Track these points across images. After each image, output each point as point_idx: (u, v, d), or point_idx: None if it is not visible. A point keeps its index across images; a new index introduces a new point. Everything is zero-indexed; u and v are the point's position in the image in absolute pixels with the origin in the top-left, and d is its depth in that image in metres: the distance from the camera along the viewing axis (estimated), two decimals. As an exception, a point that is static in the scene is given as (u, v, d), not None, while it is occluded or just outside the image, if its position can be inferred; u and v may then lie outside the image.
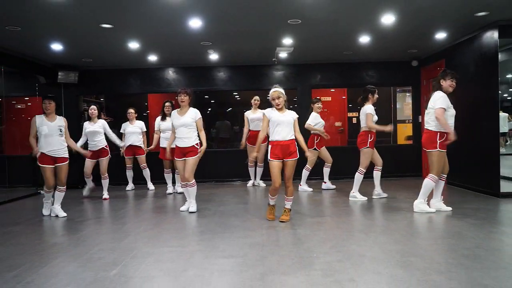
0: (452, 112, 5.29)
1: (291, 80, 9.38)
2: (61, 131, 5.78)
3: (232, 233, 4.63)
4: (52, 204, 5.94)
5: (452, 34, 7.16)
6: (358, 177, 6.46)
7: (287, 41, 7.33)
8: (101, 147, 7.35)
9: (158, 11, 5.55)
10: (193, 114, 5.75)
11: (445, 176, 5.57)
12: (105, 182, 7.46)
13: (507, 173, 6.76)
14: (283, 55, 8.34)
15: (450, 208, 5.48)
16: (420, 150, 9.38)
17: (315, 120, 7.46)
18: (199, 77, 9.48)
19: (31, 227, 5.29)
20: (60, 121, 5.85)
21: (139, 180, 8.58)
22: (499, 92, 6.40)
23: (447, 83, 5.33)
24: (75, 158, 6.92)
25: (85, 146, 7.43)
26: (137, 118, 8.38)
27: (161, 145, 7.60)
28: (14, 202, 7.51)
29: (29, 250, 4.19)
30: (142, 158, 8.31)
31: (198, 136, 5.77)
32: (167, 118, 7.46)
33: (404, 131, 10.53)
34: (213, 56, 8.50)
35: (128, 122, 8.22)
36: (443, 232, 4.57)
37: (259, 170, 8.47)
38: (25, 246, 4.35)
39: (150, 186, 8.46)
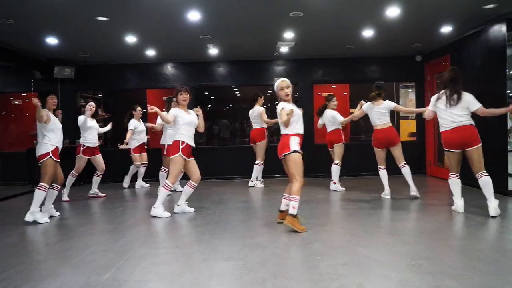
0: None
1: (292, 76, 9.12)
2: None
3: (231, 233, 4.44)
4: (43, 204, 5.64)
5: (458, 27, 6.96)
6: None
7: (289, 35, 7.13)
8: (97, 144, 7.16)
9: (155, 3, 5.35)
10: (194, 115, 5.57)
11: None
12: (98, 180, 7.24)
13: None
14: (284, 49, 8.14)
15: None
16: (423, 147, 9.21)
17: (340, 117, 7.27)
18: (198, 72, 9.29)
19: (22, 227, 5.10)
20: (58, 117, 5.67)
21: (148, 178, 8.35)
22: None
23: None
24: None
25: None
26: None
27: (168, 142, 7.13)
28: (8, 200, 7.31)
29: (20, 251, 4.01)
30: (145, 156, 8.23)
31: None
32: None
33: (407, 128, 10.33)
34: (213, 51, 8.30)
35: (133, 119, 7.95)
36: (452, 232, 4.39)
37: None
38: (15, 247, 4.17)
39: (144, 184, 8.33)
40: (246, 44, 7.88)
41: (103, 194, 7.22)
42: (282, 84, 4.63)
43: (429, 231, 4.39)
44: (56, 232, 4.89)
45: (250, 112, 7.88)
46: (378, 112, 6.19)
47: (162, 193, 5.40)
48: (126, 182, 8.34)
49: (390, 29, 6.85)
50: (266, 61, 9.16)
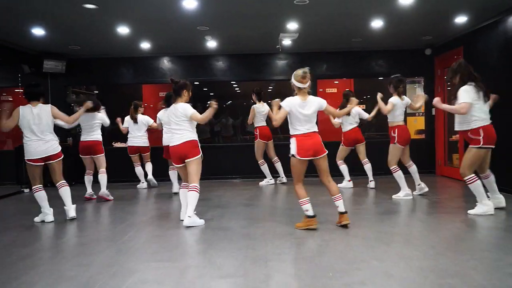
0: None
1: (295, 70, 8.65)
2: None
3: (230, 242, 3.98)
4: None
5: (474, 17, 6.49)
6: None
7: (292, 25, 6.65)
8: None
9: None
10: None
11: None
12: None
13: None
14: (287, 42, 7.66)
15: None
16: (433, 145, 8.76)
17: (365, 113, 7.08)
18: (196, 66, 8.83)
19: (7, 232, 4.65)
20: None
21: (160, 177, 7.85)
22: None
23: None
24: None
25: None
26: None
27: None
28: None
29: (-5, 263, 3.56)
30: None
31: None
32: None
33: (415, 125, 9.88)
34: (211, 44, 7.82)
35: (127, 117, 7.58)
36: (477, 242, 3.94)
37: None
38: (-11, 259, 3.72)
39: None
40: (246, 36, 7.41)
41: (95, 196, 6.73)
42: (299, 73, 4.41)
43: (451, 240, 3.95)
44: (39, 240, 4.44)
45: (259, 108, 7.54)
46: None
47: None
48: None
49: (401, 18, 6.39)
50: (268, 55, 8.70)
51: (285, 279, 3.04)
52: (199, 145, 4.78)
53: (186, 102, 4.77)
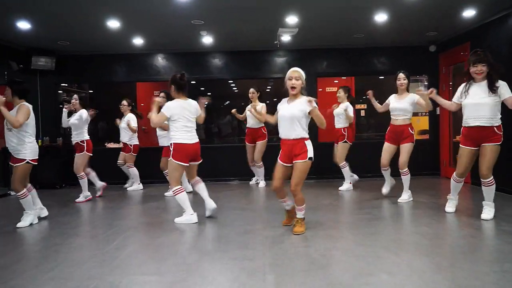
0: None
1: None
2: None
3: (225, 252, 3.65)
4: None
5: (483, 11, 6.17)
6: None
7: (291, 19, 6.32)
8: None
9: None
10: None
11: None
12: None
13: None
14: (286, 38, 7.33)
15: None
16: (437, 146, 8.44)
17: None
18: (192, 64, 8.48)
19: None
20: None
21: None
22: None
23: (471, 70, 4.58)
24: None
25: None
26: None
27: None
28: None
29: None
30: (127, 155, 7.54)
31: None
32: None
33: (417, 125, 9.56)
34: (207, 40, 7.48)
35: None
36: (494, 251, 3.60)
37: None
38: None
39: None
40: (243, 32, 7.08)
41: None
42: (291, 74, 4.08)
43: (465, 249, 3.62)
44: (18, 248, 4.09)
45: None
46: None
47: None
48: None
49: (405, 12, 6.09)
50: (266, 52, 8.37)
51: (284, 296, 2.71)
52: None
53: None
